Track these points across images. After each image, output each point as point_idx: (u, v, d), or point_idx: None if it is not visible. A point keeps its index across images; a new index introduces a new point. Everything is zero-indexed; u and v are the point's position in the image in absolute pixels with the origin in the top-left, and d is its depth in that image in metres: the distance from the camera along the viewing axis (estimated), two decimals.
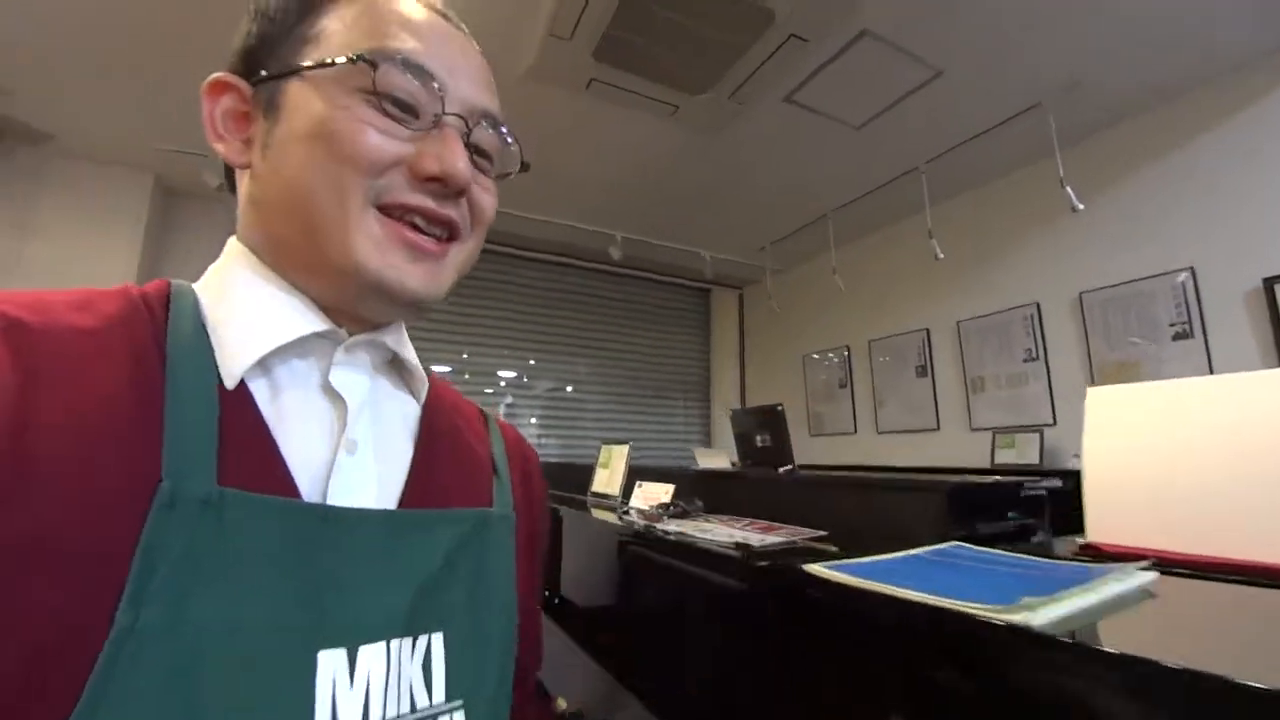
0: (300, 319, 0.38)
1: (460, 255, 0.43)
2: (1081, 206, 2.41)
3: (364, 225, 0.37)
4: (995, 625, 0.45)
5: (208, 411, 0.32)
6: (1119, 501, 0.84)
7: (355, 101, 0.37)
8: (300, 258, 0.38)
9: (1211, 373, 2.37)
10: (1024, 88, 2.46)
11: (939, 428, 3.31)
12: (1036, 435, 2.77)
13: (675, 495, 1.41)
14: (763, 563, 0.77)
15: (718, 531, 1.01)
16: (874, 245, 3.78)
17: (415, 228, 0.39)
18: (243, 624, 0.29)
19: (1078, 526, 1.15)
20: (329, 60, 0.37)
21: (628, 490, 1.59)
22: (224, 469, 0.31)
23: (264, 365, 0.37)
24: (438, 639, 0.37)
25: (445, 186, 0.39)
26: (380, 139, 0.37)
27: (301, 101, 0.38)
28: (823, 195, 3.35)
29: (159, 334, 0.34)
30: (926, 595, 0.53)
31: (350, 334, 0.41)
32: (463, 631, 0.38)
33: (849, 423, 3.83)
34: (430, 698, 0.35)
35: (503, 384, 4.07)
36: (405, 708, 0.33)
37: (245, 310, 0.37)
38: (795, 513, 1.24)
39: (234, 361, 0.35)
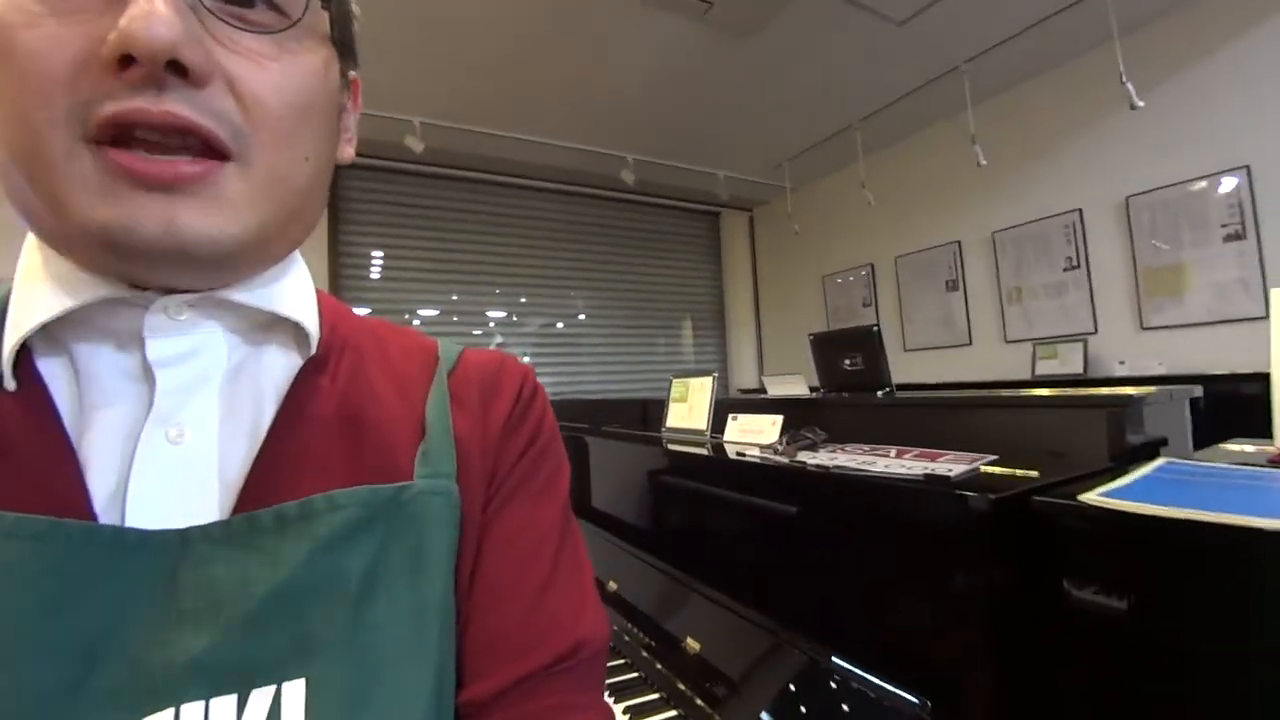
0: (82, 286, 0.29)
1: (252, 180, 0.28)
2: (1142, 104, 2.29)
3: (75, 168, 0.25)
4: None
5: None
6: None
7: None
8: (36, 229, 0.29)
9: (1263, 274, 2.33)
10: None
11: (971, 342, 3.28)
12: (1079, 344, 2.75)
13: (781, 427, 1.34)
14: (991, 495, 0.70)
15: (879, 463, 0.94)
16: (899, 156, 3.62)
17: (147, 149, 0.26)
18: None
19: (1214, 437, 1.10)
20: None
21: (717, 424, 1.52)
22: None
23: (63, 350, 0.29)
24: (294, 688, 0.26)
25: (140, 65, 0.24)
26: (42, 35, 0.24)
27: None
28: (851, 103, 3.16)
29: None
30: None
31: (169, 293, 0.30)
32: (342, 668, 0.27)
33: None
34: None
35: (491, 324, 3.91)
36: None
37: (24, 294, 0.29)
38: (912, 437, 1.18)
39: (6, 353, 0.28)
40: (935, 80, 2.92)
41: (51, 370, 0.29)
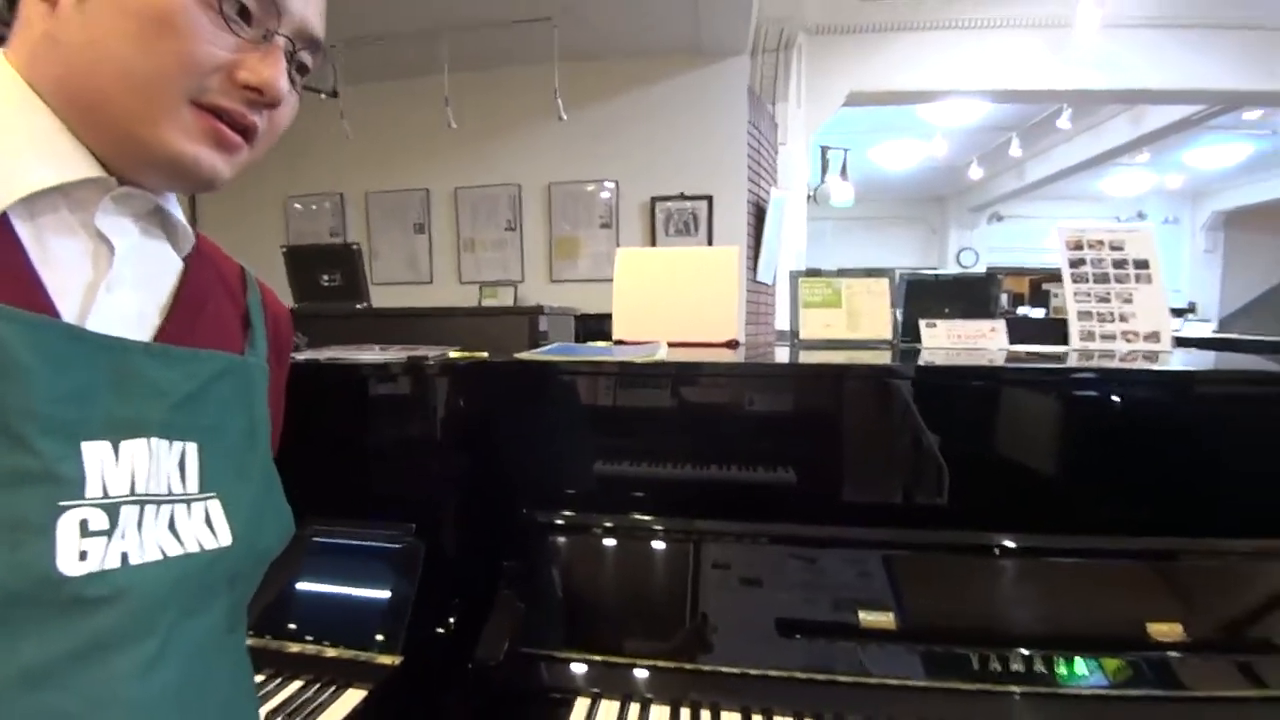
0: (71, 162, 0.37)
1: (247, 159, 0.43)
2: (565, 118, 3.03)
3: (177, 117, 0.37)
4: (647, 364, 0.84)
5: None
6: (633, 315, 1.36)
7: None
8: (95, 119, 0.37)
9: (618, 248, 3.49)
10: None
11: (432, 281, 3.70)
12: (512, 288, 3.52)
13: None
14: (460, 363, 0.96)
15: (366, 356, 1.10)
16: (381, 96, 3.65)
17: (224, 122, 0.40)
18: (10, 416, 0.32)
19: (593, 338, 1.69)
20: None
21: None
22: None
23: (26, 200, 0.36)
24: (192, 447, 0.41)
25: (261, 97, 0.40)
26: (212, 46, 0.37)
27: None
28: (335, 22, 3.02)
29: None
30: (615, 358, 0.88)
31: (120, 183, 0.40)
32: (218, 447, 0.43)
33: None
34: (184, 487, 0.41)
35: None
36: (164, 489, 0.39)
37: (11, 141, 0.36)
38: (391, 342, 1.40)
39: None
40: (421, 33, 3.10)
41: (14, 211, 0.35)
